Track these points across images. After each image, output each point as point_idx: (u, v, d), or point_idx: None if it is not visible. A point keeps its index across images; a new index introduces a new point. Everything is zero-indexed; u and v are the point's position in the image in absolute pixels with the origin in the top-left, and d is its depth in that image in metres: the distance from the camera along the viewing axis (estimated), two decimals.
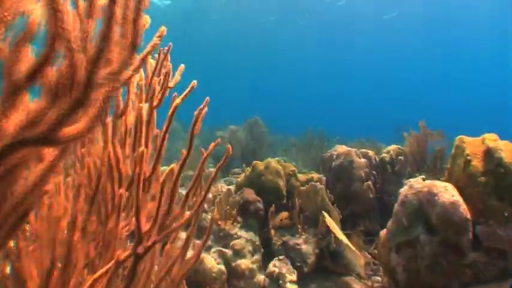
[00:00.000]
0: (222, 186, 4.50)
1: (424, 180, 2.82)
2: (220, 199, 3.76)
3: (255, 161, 4.53)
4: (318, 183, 4.23)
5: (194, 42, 25.24)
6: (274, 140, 12.17)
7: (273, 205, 4.07)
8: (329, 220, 3.42)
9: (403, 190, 2.70)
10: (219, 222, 3.72)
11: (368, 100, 51.02)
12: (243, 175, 4.62)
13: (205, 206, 4.01)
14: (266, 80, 41.42)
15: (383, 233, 2.91)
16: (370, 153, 5.05)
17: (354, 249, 3.29)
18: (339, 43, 27.05)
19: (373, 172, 4.90)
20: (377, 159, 5.12)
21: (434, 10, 21.05)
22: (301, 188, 4.20)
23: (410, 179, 2.91)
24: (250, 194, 4.01)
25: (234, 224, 3.83)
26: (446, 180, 3.08)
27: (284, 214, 4.21)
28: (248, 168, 4.57)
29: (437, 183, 2.37)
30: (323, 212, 3.69)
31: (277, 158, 4.71)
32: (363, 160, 4.80)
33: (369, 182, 4.70)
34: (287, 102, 51.78)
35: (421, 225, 2.38)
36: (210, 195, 4.11)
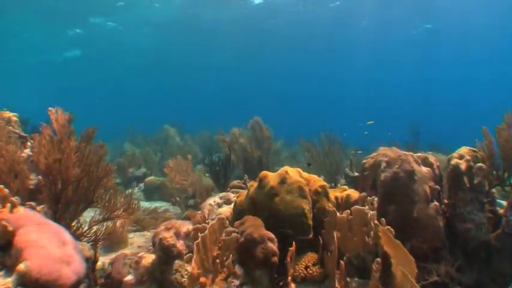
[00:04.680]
0: (210, 209, 2.89)
1: None
2: (205, 237, 2.15)
3: (263, 172, 2.92)
4: (366, 206, 2.62)
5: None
6: (279, 146, 10.54)
7: (294, 243, 2.46)
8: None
9: None
10: (202, 279, 2.11)
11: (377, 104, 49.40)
12: (244, 193, 3.01)
13: (180, 244, 2.40)
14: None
15: None
16: (431, 159, 3.44)
17: None
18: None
19: (437, 187, 3.29)
20: (439, 167, 3.52)
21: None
22: (340, 215, 2.58)
23: None
24: (255, 226, 2.40)
25: (230, 279, 2.22)
26: None
27: (311, 257, 2.59)
28: (252, 182, 2.97)
29: None
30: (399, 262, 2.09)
31: (296, 167, 3.10)
32: (425, 169, 3.19)
33: (436, 203, 3.09)
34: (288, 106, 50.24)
35: None
36: (189, 227, 2.51)
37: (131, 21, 21.03)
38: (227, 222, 2.48)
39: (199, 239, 2.11)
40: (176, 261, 2.33)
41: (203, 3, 18.68)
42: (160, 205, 6.60)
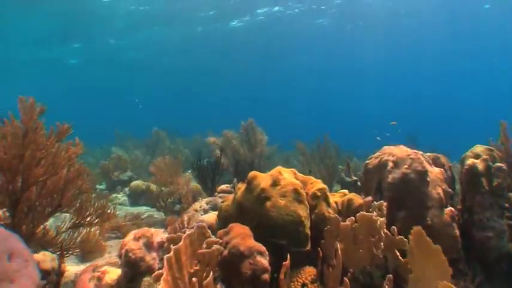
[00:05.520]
0: (190, 215, 2.48)
1: None
2: (178, 250, 1.74)
3: (252, 172, 2.52)
4: (374, 212, 2.22)
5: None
6: (272, 151, 10.15)
7: (288, 256, 2.05)
8: None
9: None
10: None
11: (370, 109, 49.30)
12: (230, 197, 2.60)
13: (151, 257, 1.99)
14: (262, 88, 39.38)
15: None
16: (442, 159, 3.07)
17: None
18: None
19: (450, 190, 2.91)
20: (451, 168, 3.15)
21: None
22: (344, 223, 2.18)
23: None
24: (242, 237, 1.98)
25: None
26: None
27: (309, 272, 2.18)
28: (240, 184, 2.57)
29: None
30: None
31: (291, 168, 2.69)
32: (437, 170, 2.81)
33: (452, 208, 2.71)
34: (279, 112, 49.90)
35: None
36: (164, 237, 2.09)
37: (128, 36, 21.20)
38: (208, 231, 2.07)
39: (171, 253, 1.70)
40: (145, 279, 1.91)
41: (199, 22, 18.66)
42: (144, 210, 6.17)
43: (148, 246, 2.04)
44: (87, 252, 4.23)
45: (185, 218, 2.49)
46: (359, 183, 4.79)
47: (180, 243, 1.76)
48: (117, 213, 5.63)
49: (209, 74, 31.36)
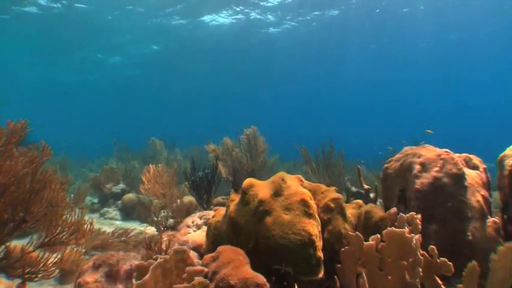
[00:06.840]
0: (171, 235, 2.00)
1: None
2: (144, 285, 1.25)
3: (248, 180, 2.02)
4: (406, 227, 1.72)
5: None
6: (274, 161, 9.67)
7: (296, 287, 1.56)
8: None
9: None
10: None
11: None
12: (222, 211, 2.10)
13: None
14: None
15: None
16: (475, 160, 2.57)
17: None
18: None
19: (489, 197, 2.42)
20: (487, 170, 2.66)
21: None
22: (367, 242, 1.68)
23: None
24: (235, 264, 1.49)
25: None
26: None
27: None
28: (234, 194, 2.08)
29: None
30: None
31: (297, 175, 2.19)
32: (474, 173, 2.32)
33: (495, 219, 2.21)
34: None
35: None
36: (133, 263, 1.60)
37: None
38: (191, 256, 1.57)
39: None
40: None
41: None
42: (136, 225, 5.68)
43: (112, 276, 1.55)
44: (66, 273, 3.76)
45: (164, 238, 1.99)
46: (371, 194, 4.27)
47: (146, 276, 1.28)
48: (106, 228, 5.17)
49: (208, 80, 31.12)
